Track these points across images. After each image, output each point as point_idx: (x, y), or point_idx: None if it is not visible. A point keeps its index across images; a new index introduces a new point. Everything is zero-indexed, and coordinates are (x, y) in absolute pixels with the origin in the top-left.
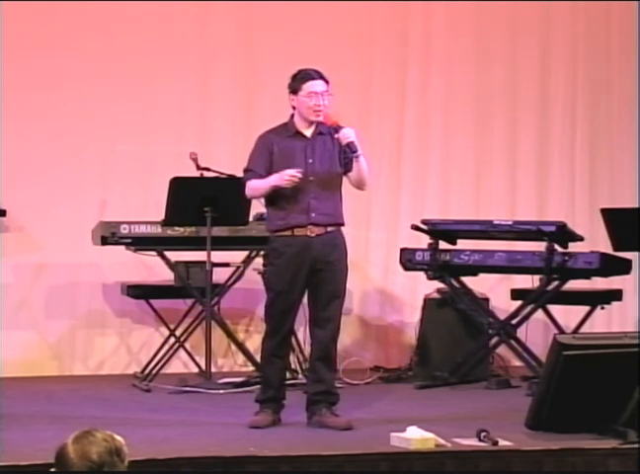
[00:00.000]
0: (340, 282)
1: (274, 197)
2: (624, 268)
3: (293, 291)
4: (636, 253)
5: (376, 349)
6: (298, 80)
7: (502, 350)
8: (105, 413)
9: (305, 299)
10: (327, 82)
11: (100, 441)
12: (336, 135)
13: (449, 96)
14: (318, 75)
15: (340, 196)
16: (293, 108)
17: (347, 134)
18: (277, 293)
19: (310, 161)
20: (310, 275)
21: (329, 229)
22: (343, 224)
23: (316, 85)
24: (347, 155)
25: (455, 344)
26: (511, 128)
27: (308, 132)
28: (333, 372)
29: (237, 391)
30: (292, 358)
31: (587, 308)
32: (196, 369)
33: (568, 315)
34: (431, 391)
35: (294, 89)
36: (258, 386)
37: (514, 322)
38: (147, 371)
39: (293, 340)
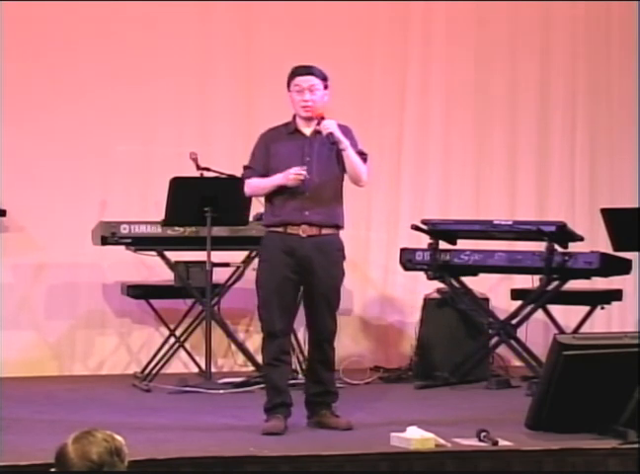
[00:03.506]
0: (331, 289)
1: (270, 193)
2: (624, 268)
3: (284, 290)
4: (636, 253)
5: (376, 349)
6: (289, 76)
7: (502, 350)
8: (105, 413)
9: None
10: (319, 76)
11: (100, 441)
12: (318, 126)
13: (449, 96)
14: (305, 70)
15: (339, 196)
16: None
17: (327, 125)
18: (267, 292)
19: (307, 160)
20: (301, 276)
21: (323, 231)
22: (340, 226)
23: (301, 80)
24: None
25: (455, 344)
26: (511, 128)
27: (307, 131)
28: (331, 372)
29: (237, 391)
30: (293, 358)
31: (587, 308)
32: (196, 369)
33: (568, 315)
34: (431, 391)
35: (287, 86)
36: (258, 386)
37: (514, 322)
38: (147, 371)
39: (293, 340)
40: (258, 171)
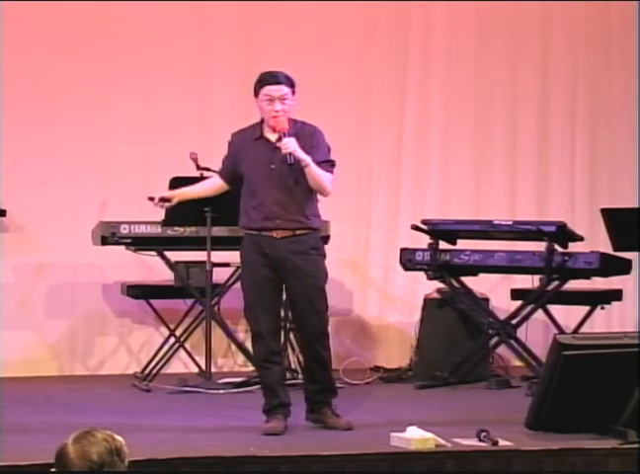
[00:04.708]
0: (312, 288)
1: (244, 197)
2: (624, 268)
3: (264, 290)
4: (636, 253)
5: (376, 349)
6: (258, 83)
7: (502, 350)
8: (105, 413)
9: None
10: (288, 84)
11: (100, 441)
12: (278, 144)
13: (449, 96)
14: (276, 79)
15: (311, 200)
16: None
17: (286, 145)
18: (249, 293)
19: (273, 167)
20: (280, 277)
21: (297, 232)
22: (315, 229)
23: (272, 90)
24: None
25: (455, 344)
26: (511, 128)
27: (273, 137)
28: (327, 370)
29: (237, 391)
30: (292, 358)
31: (587, 308)
32: (196, 369)
33: (568, 315)
34: (431, 391)
35: (255, 92)
36: (258, 386)
37: (514, 322)
38: (147, 371)
39: (293, 339)
40: (222, 171)
